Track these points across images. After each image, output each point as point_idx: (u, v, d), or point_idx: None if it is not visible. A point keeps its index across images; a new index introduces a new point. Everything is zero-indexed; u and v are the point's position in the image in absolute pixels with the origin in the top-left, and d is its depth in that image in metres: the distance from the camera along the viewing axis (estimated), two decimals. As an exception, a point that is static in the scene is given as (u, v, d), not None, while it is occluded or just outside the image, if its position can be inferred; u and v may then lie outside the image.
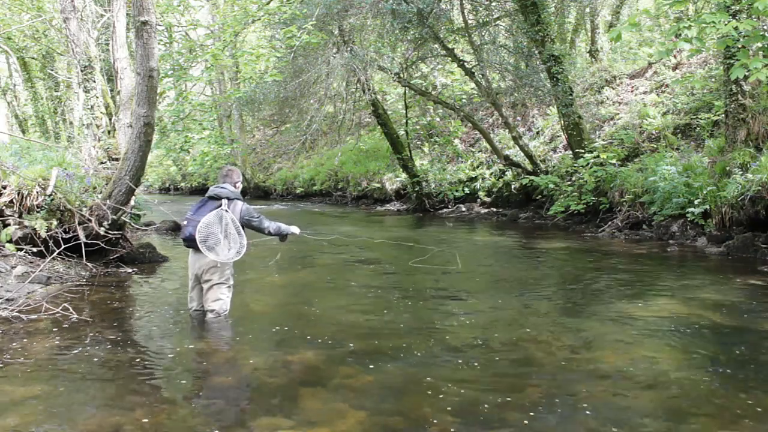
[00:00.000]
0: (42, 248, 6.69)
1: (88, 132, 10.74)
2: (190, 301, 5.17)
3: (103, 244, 7.17)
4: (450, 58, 14.53)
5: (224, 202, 4.94)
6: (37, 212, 6.93)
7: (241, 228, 4.92)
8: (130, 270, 7.40)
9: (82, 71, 10.55)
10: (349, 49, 14.07)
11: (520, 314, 5.21)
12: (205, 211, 4.89)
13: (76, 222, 6.97)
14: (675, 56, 14.58)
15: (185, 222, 4.96)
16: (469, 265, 8.24)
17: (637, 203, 10.53)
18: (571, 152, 13.14)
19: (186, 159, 20.10)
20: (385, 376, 3.70)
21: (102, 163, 9.92)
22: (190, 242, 4.83)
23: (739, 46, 6.90)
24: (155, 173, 32.95)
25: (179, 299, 5.94)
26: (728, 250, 8.14)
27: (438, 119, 17.95)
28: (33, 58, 20.91)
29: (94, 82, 10.66)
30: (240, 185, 5.26)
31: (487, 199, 15.71)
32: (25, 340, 4.47)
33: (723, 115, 9.90)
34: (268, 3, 13.03)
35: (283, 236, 5.30)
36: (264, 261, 8.07)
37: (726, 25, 4.90)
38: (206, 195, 5.09)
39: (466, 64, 14.19)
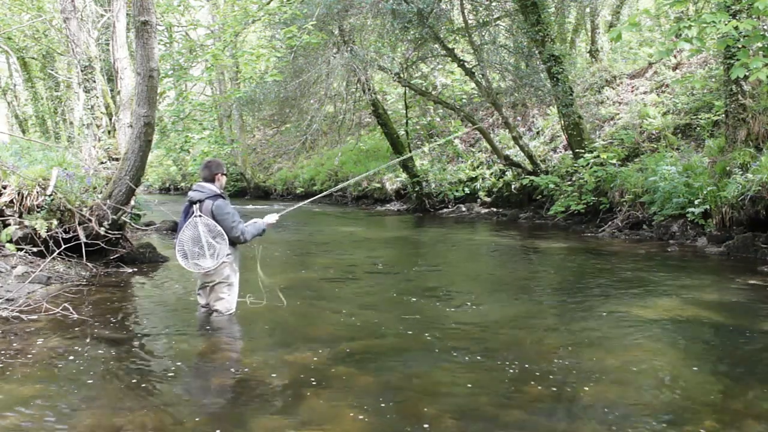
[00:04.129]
0: (42, 248, 6.69)
1: (88, 132, 10.74)
2: (198, 297, 5.19)
3: (103, 244, 7.17)
4: (450, 58, 14.52)
5: (195, 208, 4.79)
6: (38, 212, 6.93)
7: (217, 228, 4.70)
8: (130, 270, 7.40)
9: (82, 71, 10.56)
10: (349, 49, 14.07)
11: (520, 314, 5.21)
12: (186, 221, 4.82)
13: (77, 222, 6.97)
14: (675, 56, 14.57)
15: (175, 239, 4.90)
16: (469, 266, 8.24)
17: (638, 203, 10.53)
18: (571, 152, 13.14)
19: (186, 159, 20.06)
20: (384, 376, 3.70)
21: (102, 163, 9.93)
22: None
23: (740, 45, 6.89)
24: (155, 173, 32.90)
25: (179, 299, 5.95)
26: (728, 250, 8.14)
27: (438, 119, 17.95)
28: (33, 58, 20.92)
29: (95, 82, 10.66)
30: (222, 177, 5.01)
31: (488, 199, 15.70)
32: (25, 340, 4.47)
33: (723, 115, 9.90)
34: (269, 3, 13.04)
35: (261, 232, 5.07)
36: (265, 260, 8.06)
37: (726, 24, 4.90)
38: (186, 199, 4.97)
39: (466, 64, 14.18)
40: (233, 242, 4.86)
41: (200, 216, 4.74)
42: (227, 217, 4.78)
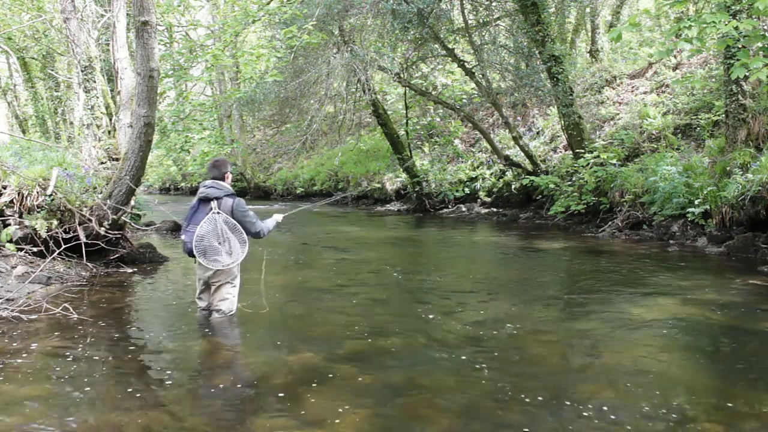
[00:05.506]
0: (42, 248, 6.69)
1: (88, 132, 10.75)
2: (198, 300, 5.18)
3: (103, 244, 7.17)
4: (450, 58, 14.52)
5: (213, 204, 4.82)
6: (38, 212, 6.93)
7: (237, 225, 4.80)
8: (130, 270, 7.40)
9: (82, 71, 10.57)
10: (349, 49, 14.07)
11: (520, 314, 5.20)
12: (199, 217, 4.81)
13: (77, 222, 6.97)
14: (675, 56, 14.57)
15: (183, 236, 4.89)
16: (469, 266, 8.24)
17: (638, 203, 10.53)
18: (571, 152, 13.14)
19: (186, 159, 20.09)
20: (385, 376, 3.70)
21: (102, 163, 9.94)
22: (193, 255, 4.80)
23: (740, 46, 6.90)
24: (155, 173, 32.92)
25: (179, 299, 5.95)
26: (728, 250, 8.14)
27: (438, 119, 17.95)
28: (33, 58, 20.90)
29: (95, 82, 10.67)
30: (229, 175, 5.10)
31: (488, 199, 15.71)
32: (25, 340, 4.47)
33: (723, 115, 9.90)
34: (269, 3, 13.03)
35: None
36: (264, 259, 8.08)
37: (726, 25, 4.90)
38: (197, 196, 4.98)
39: (466, 64, 14.18)
40: (255, 237, 4.97)
41: (219, 213, 4.78)
42: (248, 215, 4.89)
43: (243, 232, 4.82)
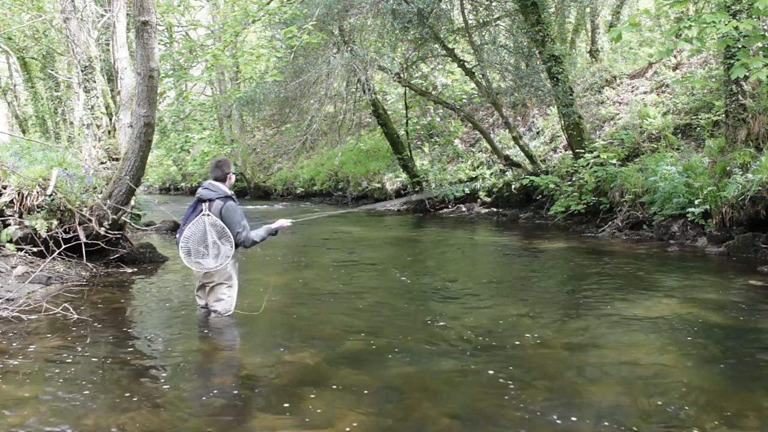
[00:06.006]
0: (42, 248, 6.69)
1: (88, 132, 10.75)
2: (197, 298, 5.18)
3: (103, 244, 7.17)
4: (450, 58, 14.52)
5: (204, 206, 4.78)
6: (38, 212, 6.93)
7: (225, 229, 4.69)
8: (130, 270, 7.40)
9: (82, 71, 10.57)
10: (349, 49, 14.07)
11: (520, 314, 5.20)
12: (193, 218, 4.80)
13: (77, 222, 6.97)
14: (675, 56, 14.57)
15: (178, 235, 4.88)
16: (469, 266, 8.24)
17: (638, 203, 10.53)
18: (571, 152, 13.14)
19: (186, 159, 20.08)
20: (385, 376, 3.70)
21: (102, 163, 9.94)
22: None
23: (740, 45, 6.90)
24: (155, 173, 32.90)
25: (179, 299, 5.94)
26: (728, 250, 8.14)
27: (438, 119, 17.95)
28: (33, 58, 20.90)
29: (95, 82, 10.67)
30: (232, 176, 5.04)
31: (488, 199, 15.70)
32: (25, 340, 4.47)
33: (723, 115, 9.90)
34: (269, 3, 13.04)
35: (274, 233, 5.14)
36: (265, 260, 8.08)
37: (726, 24, 4.90)
38: (195, 196, 4.96)
39: (466, 64, 14.19)
40: (237, 245, 4.85)
41: (208, 215, 4.74)
42: (234, 221, 4.77)
43: (231, 236, 4.74)
